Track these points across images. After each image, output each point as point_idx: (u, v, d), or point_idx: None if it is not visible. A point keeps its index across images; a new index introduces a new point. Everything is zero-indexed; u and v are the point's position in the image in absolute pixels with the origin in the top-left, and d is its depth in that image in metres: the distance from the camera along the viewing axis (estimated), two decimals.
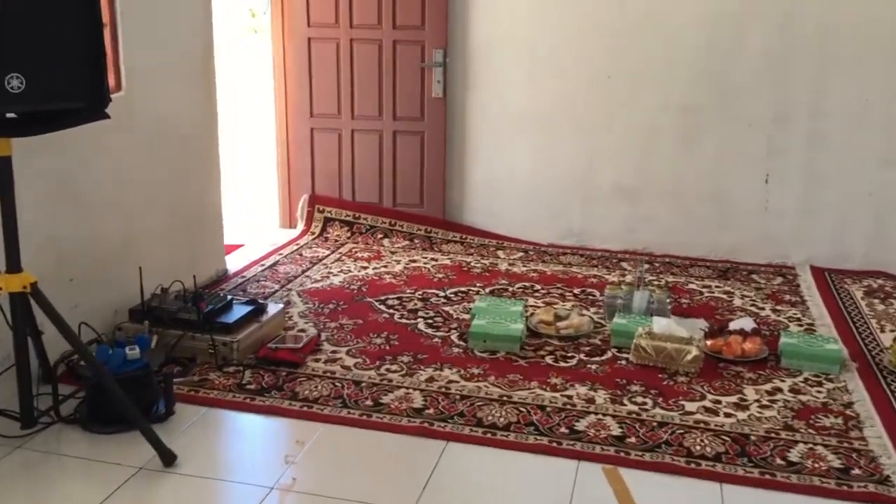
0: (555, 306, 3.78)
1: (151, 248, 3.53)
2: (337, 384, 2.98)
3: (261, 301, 3.41)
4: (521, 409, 2.84)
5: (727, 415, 2.84)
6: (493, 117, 4.75)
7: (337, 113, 4.85)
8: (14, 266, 2.37)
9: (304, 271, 4.24)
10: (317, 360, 3.17)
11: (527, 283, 4.13)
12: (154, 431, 2.45)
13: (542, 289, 4.06)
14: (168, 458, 2.45)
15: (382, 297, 3.86)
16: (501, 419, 2.77)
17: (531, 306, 3.79)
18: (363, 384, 2.98)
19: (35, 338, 2.52)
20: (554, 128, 4.67)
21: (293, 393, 2.90)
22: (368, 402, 2.85)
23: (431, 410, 2.81)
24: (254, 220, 5.15)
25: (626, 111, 4.56)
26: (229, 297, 3.36)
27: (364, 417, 2.76)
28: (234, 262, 4.31)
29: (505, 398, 2.91)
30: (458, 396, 2.92)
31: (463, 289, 4.03)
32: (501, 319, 3.40)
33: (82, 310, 3.12)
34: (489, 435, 2.68)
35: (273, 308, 3.41)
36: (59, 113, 2.31)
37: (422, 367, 3.13)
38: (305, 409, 2.81)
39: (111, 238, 3.28)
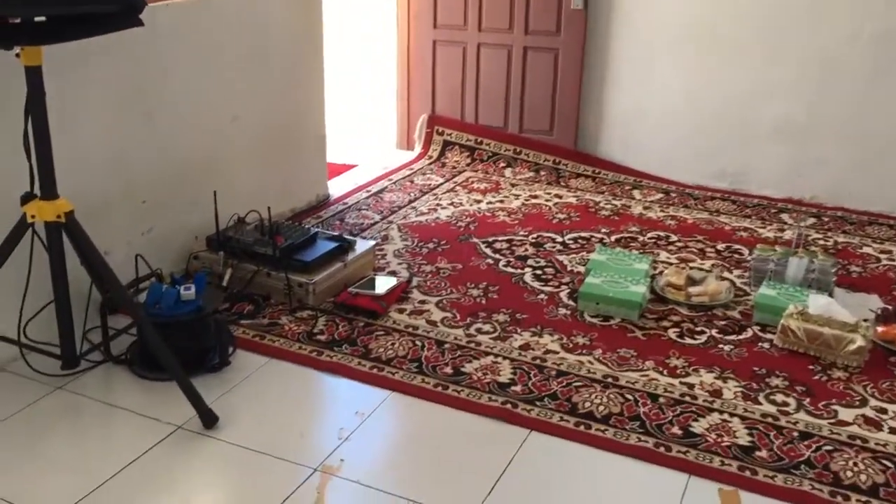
0: (689, 266, 3.20)
1: (239, 170, 3.23)
2: (417, 343, 2.59)
3: (348, 237, 3.04)
4: (628, 396, 2.35)
5: (894, 430, 2.24)
6: (641, 35, 4.08)
7: (463, 24, 4.33)
8: (48, 192, 2.10)
9: (411, 201, 3.84)
10: (401, 311, 2.79)
11: (661, 233, 3.55)
12: (194, 388, 2.16)
13: (679, 241, 3.47)
14: (208, 420, 2.16)
15: (490, 239, 3.41)
16: (601, 407, 2.29)
17: (661, 263, 3.23)
18: (446, 346, 2.58)
19: (90, 267, 2.26)
20: (713, 51, 3.95)
21: (365, 349, 2.55)
22: (448, 370, 2.45)
23: (519, 388, 2.38)
24: (370, 140, 4.79)
25: (803, 35, 3.77)
26: (314, 230, 3.01)
27: (439, 389, 2.37)
28: (339, 186, 3.98)
29: (610, 380, 2.43)
30: (553, 372, 2.46)
31: (585, 234, 3.51)
32: (621, 279, 2.88)
33: (157, 234, 2.88)
34: (582, 428, 2.22)
35: (362, 246, 3.04)
36: (90, 17, 1.97)
37: (518, 330, 2.69)
38: (375, 370, 2.44)
39: (191, 159, 3.00)
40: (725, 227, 3.63)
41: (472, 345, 2.60)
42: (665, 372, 2.47)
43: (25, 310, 2.28)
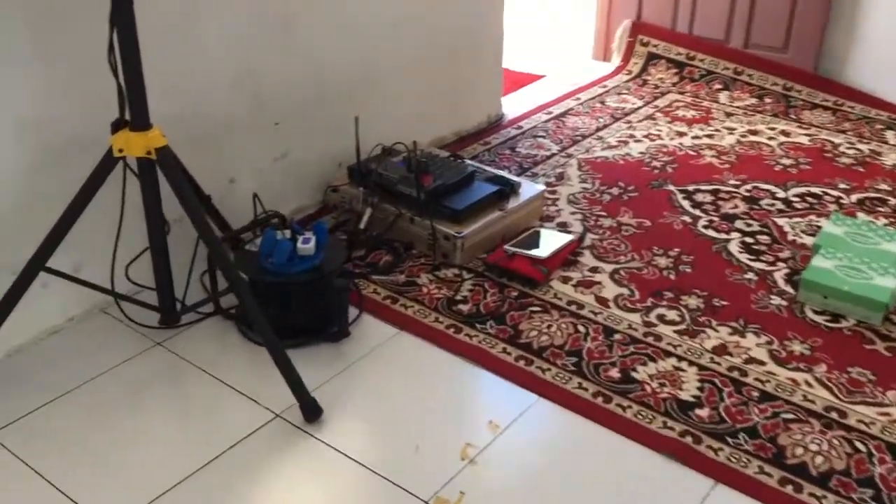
0: None
1: (396, 86, 2.75)
2: (580, 328, 2.06)
3: (512, 179, 2.51)
4: (859, 444, 1.72)
5: None
6: None
7: None
8: (139, 121, 1.73)
9: (598, 129, 3.22)
10: (566, 279, 2.26)
11: None
12: (296, 373, 1.77)
13: None
14: (310, 413, 1.78)
15: (690, 187, 2.76)
16: (818, 459, 1.69)
17: None
18: (616, 337, 2.04)
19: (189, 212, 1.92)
20: None
21: (514, 331, 2.06)
22: (614, 373, 1.92)
23: (705, 411, 1.81)
24: (562, 46, 4.14)
25: None
26: (470, 167, 2.50)
27: (599, 401, 1.84)
28: (515, 105, 3.42)
29: (835, 415, 1.80)
30: (755, 393, 1.86)
31: (815, 190, 2.76)
32: (863, 264, 2.17)
33: (292, 160, 2.50)
34: (790, 489, 1.63)
35: (528, 191, 2.50)
36: None
37: (713, 323, 2.08)
38: (523, 362, 1.96)
39: (337, 72, 2.55)
40: None
41: (650, 339, 2.03)
42: None
43: (123, 253, 1.97)
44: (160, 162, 1.75)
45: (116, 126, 1.76)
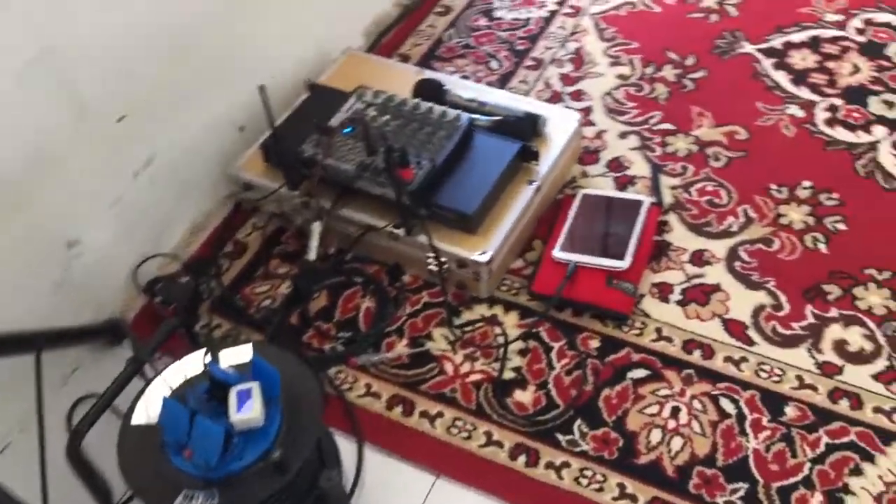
0: None
1: None
2: (725, 406, 1.24)
3: (532, 113, 1.52)
4: None
5: None
6: None
7: None
8: None
9: None
10: (661, 290, 1.39)
11: None
12: None
13: None
14: None
15: (776, 41, 1.79)
16: None
17: None
18: (789, 413, 1.23)
19: None
20: None
21: (624, 437, 1.22)
22: (816, 503, 1.15)
23: None
24: None
25: None
26: (464, 118, 1.49)
27: None
28: None
29: None
30: None
31: None
32: None
33: (163, 162, 1.48)
34: None
35: (559, 124, 1.54)
36: None
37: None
38: None
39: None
40: None
41: (845, 405, 1.23)
42: None
43: None
44: None
45: None
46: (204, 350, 1.07)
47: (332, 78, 1.65)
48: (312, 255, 1.43)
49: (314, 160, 1.41)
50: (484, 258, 1.35)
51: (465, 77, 1.79)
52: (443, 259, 1.36)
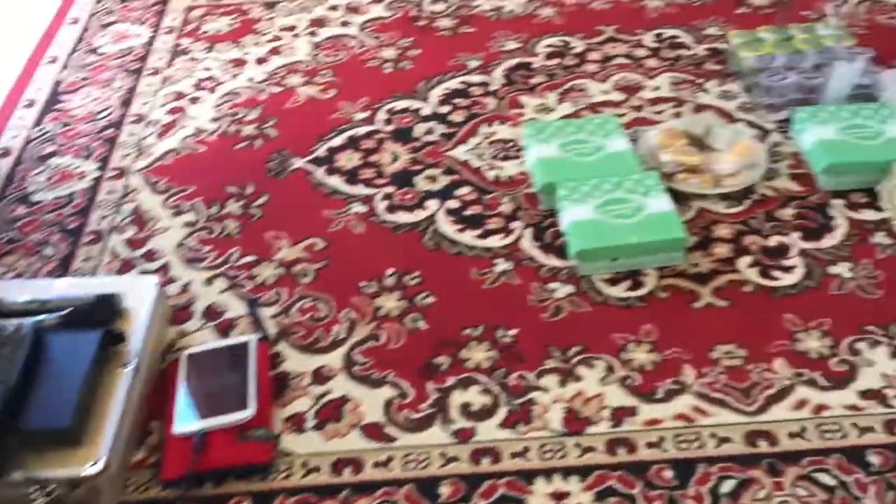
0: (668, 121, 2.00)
1: None
2: None
3: (101, 295, 1.42)
4: None
5: None
6: None
7: None
8: None
9: (125, 102, 2.10)
10: (289, 426, 1.38)
11: (549, 43, 2.24)
12: None
13: (581, 46, 2.20)
14: None
15: (321, 150, 1.91)
16: None
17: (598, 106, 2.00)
18: None
19: None
20: None
21: None
22: None
23: None
24: None
25: None
26: (27, 323, 1.35)
27: None
28: None
29: None
30: None
31: (456, 83, 2.10)
32: (620, 190, 1.65)
33: None
34: None
35: (139, 295, 1.46)
36: None
37: (524, 380, 1.43)
38: None
39: None
40: (636, 4, 2.37)
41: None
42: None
43: None
44: None
45: None
46: None
47: None
48: None
49: None
50: (97, 468, 1.22)
51: (19, 276, 1.63)
52: (51, 488, 1.20)
